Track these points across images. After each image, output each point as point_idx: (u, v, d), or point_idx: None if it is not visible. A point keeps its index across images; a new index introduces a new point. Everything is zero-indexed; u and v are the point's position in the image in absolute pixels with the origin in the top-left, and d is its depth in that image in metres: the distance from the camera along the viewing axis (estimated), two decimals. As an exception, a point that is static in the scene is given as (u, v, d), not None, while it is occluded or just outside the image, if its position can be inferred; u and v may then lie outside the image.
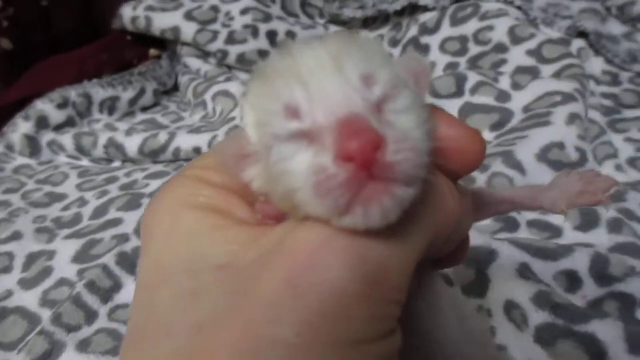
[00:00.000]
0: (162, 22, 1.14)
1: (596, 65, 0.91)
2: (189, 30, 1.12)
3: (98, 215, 0.77)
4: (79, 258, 0.68)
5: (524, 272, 0.51)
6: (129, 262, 0.65)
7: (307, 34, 1.16)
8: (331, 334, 0.20)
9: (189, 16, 1.13)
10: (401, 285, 0.22)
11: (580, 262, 0.53)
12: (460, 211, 0.26)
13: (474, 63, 0.92)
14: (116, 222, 0.74)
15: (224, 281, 0.22)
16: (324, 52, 0.23)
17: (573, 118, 0.72)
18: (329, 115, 0.21)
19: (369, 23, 1.17)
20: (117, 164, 0.96)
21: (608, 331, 0.45)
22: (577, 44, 0.92)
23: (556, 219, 0.61)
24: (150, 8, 1.16)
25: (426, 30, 0.99)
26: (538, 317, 0.47)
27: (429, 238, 0.23)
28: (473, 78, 0.82)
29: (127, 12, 1.17)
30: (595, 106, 0.84)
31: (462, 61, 0.94)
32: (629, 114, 0.83)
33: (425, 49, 0.99)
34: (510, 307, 0.50)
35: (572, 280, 0.53)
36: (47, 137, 0.98)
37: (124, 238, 0.70)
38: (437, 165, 0.24)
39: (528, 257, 0.53)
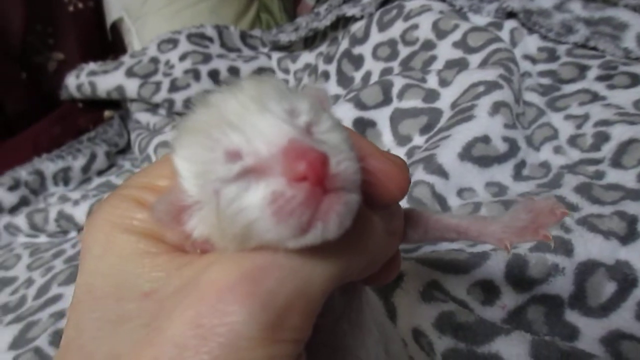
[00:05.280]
0: (105, 83, 1.14)
1: (531, 43, 0.86)
2: (132, 86, 1.12)
3: (41, 294, 0.76)
4: (15, 344, 0.67)
5: (428, 293, 0.46)
6: (63, 341, 0.64)
7: (250, 67, 1.15)
8: None
9: (129, 73, 1.13)
10: (304, 325, 0.23)
11: (495, 269, 0.49)
12: (387, 244, 0.28)
13: (406, 65, 0.88)
14: (55, 299, 0.73)
15: (145, 311, 0.23)
16: (243, 97, 0.24)
17: (497, 107, 0.67)
18: (270, 147, 0.22)
19: (309, 43, 1.15)
20: (73, 234, 0.95)
21: (513, 348, 0.40)
22: (509, 25, 0.88)
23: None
24: (92, 73, 1.16)
25: (356, 40, 0.96)
26: (442, 343, 0.43)
27: (341, 273, 0.24)
28: (399, 82, 0.79)
29: (71, 81, 1.18)
30: (533, 87, 0.79)
31: (395, 65, 0.90)
32: (568, 88, 0.78)
33: (358, 60, 0.95)
34: (418, 335, 0.46)
35: (488, 291, 0.48)
36: (2, 221, 0.98)
37: (60, 315, 0.68)
38: (366, 196, 0.25)
39: (438, 273, 0.49)
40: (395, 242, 0.30)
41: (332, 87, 0.97)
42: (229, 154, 0.23)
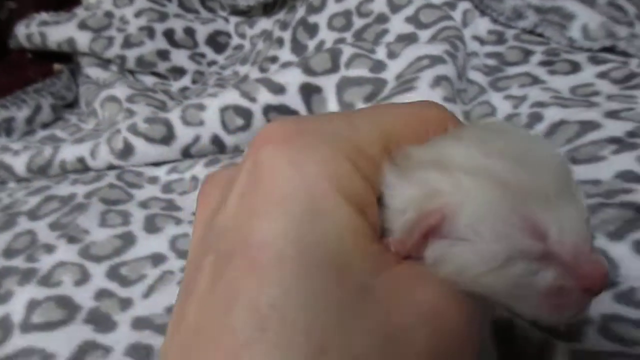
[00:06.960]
0: (56, 35, 1.11)
1: (482, 25, 0.88)
2: (83, 40, 1.09)
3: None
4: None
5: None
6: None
7: (207, 29, 1.13)
8: None
9: (82, 25, 1.10)
10: None
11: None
12: None
13: (359, 36, 0.89)
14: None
15: (371, 308, 0.20)
16: (560, 173, 0.24)
17: (439, 80, 0.69)
18: (576, 248, 0.23)
19: (269, 9, 1.14)
20: (11, 184, 0.93)
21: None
22: (463, 5, 0.89)
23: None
24: (44, 23, 1.13)
25: (312, 9, 0.96)
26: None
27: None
28: (348, 51, 0.79)
29: (21, 30, 1.14)
30: (478, 67, 0.81)
31: (348, 36, 0.91)
32: (511, 70, 0.80)
33: (313, 29, 0.96)
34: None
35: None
36: (-61, 166, 0.94)
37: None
38: None
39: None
40: None
41: (286, 54, 0.97)
42: (535, 230, 0.23)
